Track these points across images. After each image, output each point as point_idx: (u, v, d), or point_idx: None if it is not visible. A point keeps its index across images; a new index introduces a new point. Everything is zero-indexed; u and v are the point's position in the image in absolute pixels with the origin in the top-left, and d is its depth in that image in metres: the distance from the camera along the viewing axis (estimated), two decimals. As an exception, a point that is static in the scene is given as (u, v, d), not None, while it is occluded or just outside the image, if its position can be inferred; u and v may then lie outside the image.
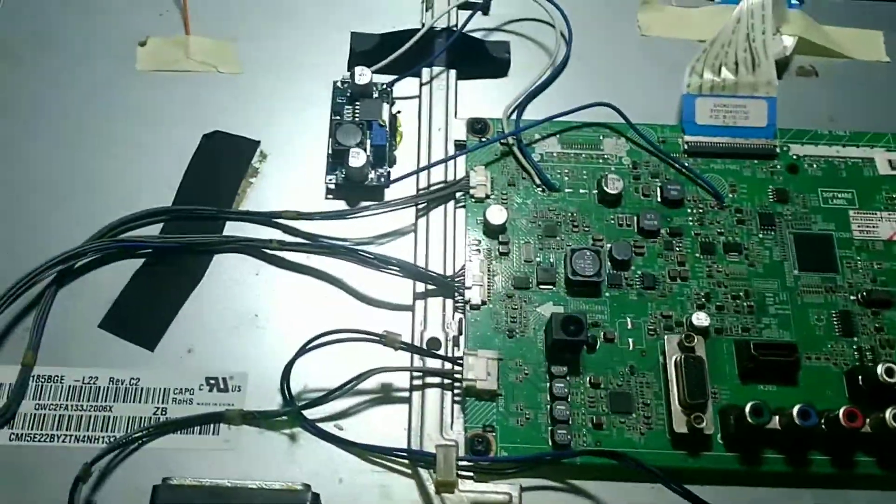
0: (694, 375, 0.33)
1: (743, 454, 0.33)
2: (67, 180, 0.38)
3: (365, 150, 0.38)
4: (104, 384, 0.34)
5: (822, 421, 0.32)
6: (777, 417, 0.32)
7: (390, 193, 0.38)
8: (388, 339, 0.33)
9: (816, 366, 0.35)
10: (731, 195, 0.38)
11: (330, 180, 0.38)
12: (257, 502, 0.29)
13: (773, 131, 0.39)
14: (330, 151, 0.38)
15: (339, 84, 0.40)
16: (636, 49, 0.43)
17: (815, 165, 0.39)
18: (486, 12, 0.43)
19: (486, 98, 0.41)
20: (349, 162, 0.37)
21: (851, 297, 0.36)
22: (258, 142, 0.39)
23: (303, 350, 0.33)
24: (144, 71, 0.41)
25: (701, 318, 0.35)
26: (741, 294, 0.36)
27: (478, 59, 0.42)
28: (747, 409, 0.32)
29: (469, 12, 0.42)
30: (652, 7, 0.43)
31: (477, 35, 0.43)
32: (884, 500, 0.32)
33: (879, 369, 0.32)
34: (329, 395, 0.33)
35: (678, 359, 0.33)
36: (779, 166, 0.39)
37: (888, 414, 0.31)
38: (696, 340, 0.34)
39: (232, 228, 0.37)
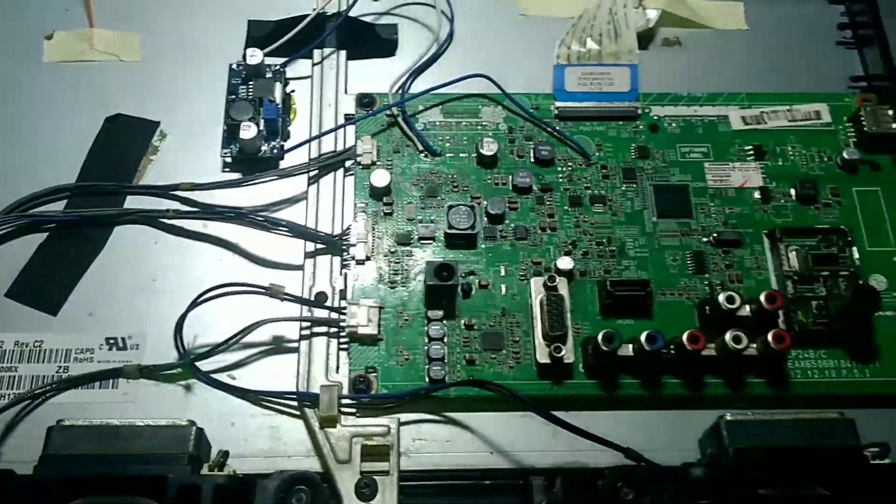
0: (554, 311, 0.36)
1: (602, 381, 0.36)
2: (-23, 163, 0.40)
3: (257, 124, 0.40)
4: (10, 347, 0.36)
5: (672, 347, 0.35)
6: (630, 345, 0.35)
7: (284, 164, 0.41)
8: (272, 291, 0.36)
9: (671, 301, 0.38)
10: (597, 154, 0.41)
11: (225, 154, 0.41)
12: (144, 436, 0.32)
13: (636, 95, 0.42)
14: (224, 127, 0.41)
15: (234, 66, 0.43)
16: (514, 26, 0.46)
17: (674, 124, 0.42)
18: (375, -2, 0.46)
19: (378, 76, 0.44)
20: (241, 135, 0.40)
21: (704, 239, 0.39)
22: (158, 122, 0.42)
23: (193, 304, 0.35)
24: (52, 62, 0.43)
25: (565, 262, 0.38)
26: (604, 241, 0.39)
27: (367, 40, 0.45)
28: (599, 337, 0.34)
29: (358, -2, 0.45)
30: (529, -12, 0.47)
31: (367, 19, 0.46)
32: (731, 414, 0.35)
33: (721, 297, 0.36)
34: (219, 347, 0.36)
35: (542, 298, 0.36)
36: (641, 126, 0.42)
37: (728, 336, 0.35)
38: (557, 281, 0.37)
39: (133, 202, 0.40)
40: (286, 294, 0.36)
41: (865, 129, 0.41)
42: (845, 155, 0.40)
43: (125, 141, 0.41)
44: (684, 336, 0.35)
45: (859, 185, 0.40)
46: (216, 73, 0.43)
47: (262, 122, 0.41)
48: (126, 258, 0.39)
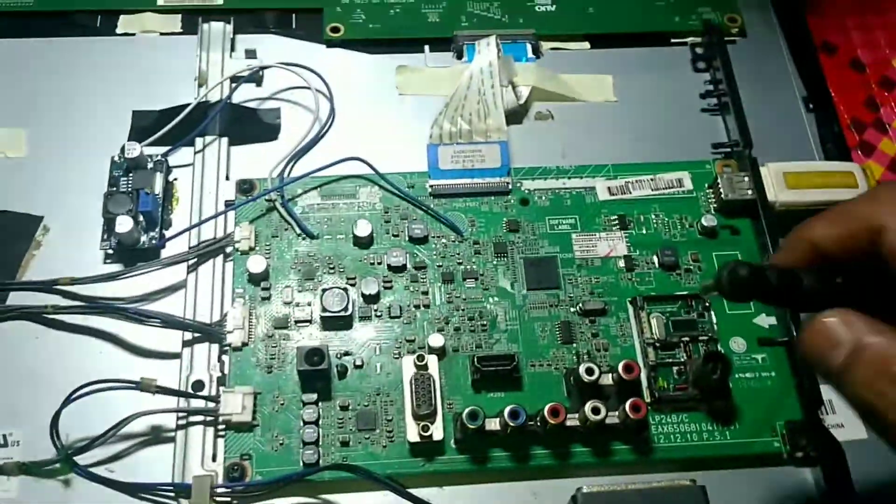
0: (422, 390, 0.37)
1: (472, 455, 0.37)
2: None
3: (135, 217, 0.41)
4: None
5: (538, 419, 0.37)
6: (497, 419, 0.36)
7: (166, 253, 0.42)
8: (143, 385, 0.36)
9: (540, 372, 0.39)
10: (470, 229, 0.43)
11: (105, 246, 0.42)
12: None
13: (507, 170, 0.44)
14: (103, 221, 0.42)
15: (115, 159, 0.44)
16: (394, 107, 0.48)
17: (543, 197, 0.44)
18: (259, 84, 0.48)
19: (261, 161, 0.45)
20: (116, 228, 0.41)
21: (572, 309, 0.41)
22: (41, 217, 0.43)
23: (66, 401, 0.36)
24: (-64, 161, 0.44)
25: (436, 339, 0.39)
26: (476, 315, 0.40)
27: (250, 125, 0.46)
28: (464, 415, 0.36)
29: (238, 85, 0.47)
30: (408, 69, 0.49)
31: (251, 104, 0.47)
32: (600, 483, 0.37)
33: (581, 369, 0.37)
34: (95, 442, 0.36)
35: (412, 376, 0.38)
36: (512, 200, 0.44)
37: (587, 407, 0.36)
38: (426, 359, 0.38)
39: (15, 298, 0.41)
40: (157, 387, 0.37)
41: (723, 195, 0.43)
42: (704, 222, 0.42)
43: (8, 237, 0.42)
44: (545, 409, 0.36)
45: (719, 249, 0.42)
46: (98, 164, 0.44)
47: (139, 214, 0.42)
48: (6, 355, 0.39)
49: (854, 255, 0.26)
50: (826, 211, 0.28)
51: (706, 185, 0.44)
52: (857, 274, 0.27)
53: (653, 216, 0.43)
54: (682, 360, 0.39)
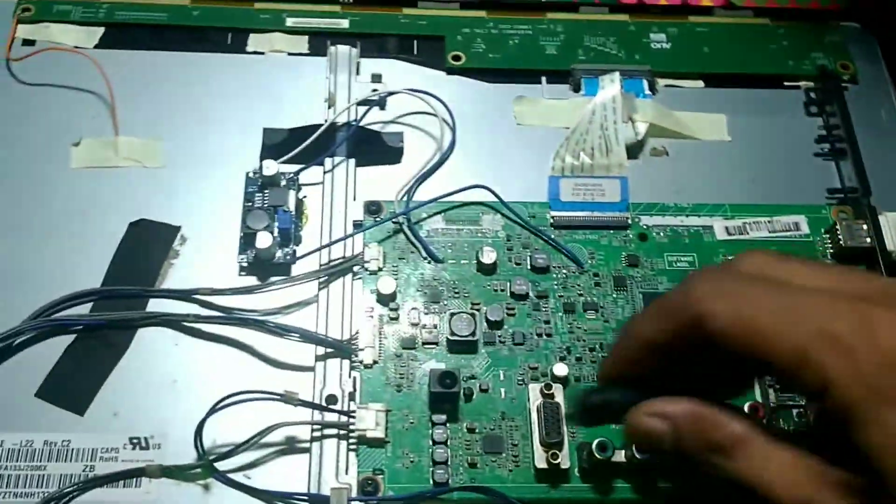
0: (551, 419, 0.38)
1: (596, 484, 0.38)
2: (9, 267, 0.43)
3: (272, 232, 0.43)
4: (39, 446, 0.39)
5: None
6: (623, 451, 0.38)
7: (297, 269, 0.44)
8: (286, 397, 0.38)
9: (660, 406, 0.40)
10: (590, 261, 0.44)
11: (242, 259, 0.43)
12: (168, 542, 0.34)
13: (626, 205, 0.45)
14: (241, 234, 0.44)
15: (250, 175, 0.45)
16: (512, 137, 0.49)
17: (661, 234, 0.45)
18: (382, 108, 0.49)
19: (384, 182, 0.47)
20: (257, 244, 0.42)
21: (691, 346, 0.42)
22: (179, 227, 0.45)
23: (212, 410, 0.38)
24: (78, 168, 0.46)
25: (561, 369, 0.40)
26: (597, 346, 0.42)
27: (375, 148, 0.48)
28: (594, 445, 0.37)
29: (366, 108, 0.48)
30: (526, 100, 0.50)
31: (375, 127, 0.49)
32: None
33: (706, 407, 0.38)
34: (237, 449, 0.38)
35: (539, 404, 0.39)
36: (631, 235, 0.45)
37: (712, 444, 0.37)
38: (553, 388, 0.39)
39: (155, 305, 0.42)
40: (299, 400, 0.38)
41: (841, 242, 0.44)
42: (821, 266, 0.43)
43: (148, 245, 0.44)
44: (671, 444, 0.37)
45: (834, 294, 0.43)
46: (232, 179, 0.46)
47: (276, 231, 0.43)
48: (148, 360, 0.41)
49: (686, 344, 0.27)
50: (646, 309, 0.29)
51: (822, 230, 0.45)
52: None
53: (770, 258, 0.44)
54: (803, 402, 0.40)
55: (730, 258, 0.28)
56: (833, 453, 0.24)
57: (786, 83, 0.52)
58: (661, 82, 0.51)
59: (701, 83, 0.52)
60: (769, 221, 0.45)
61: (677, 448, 0.27)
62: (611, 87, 0.47)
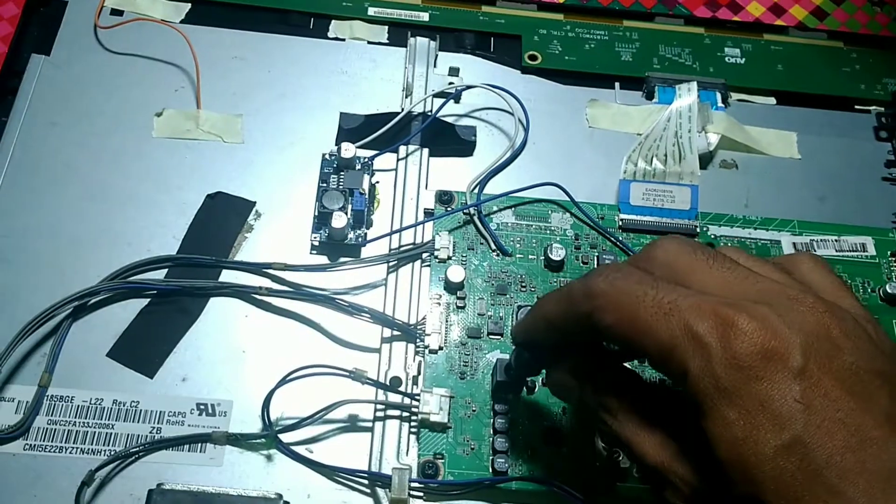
0: (614, 416, 0.39)
1: (652, 485, 0.38)
2: (89, 229, 0.44)
3: (346, 213, 0.44)
4: (108, 405, 0.39)
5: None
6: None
7: (366, 251, 0.44)
8: (356, 375, 0.39)
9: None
10: (657, 266, 0.44)
11: (315, 238, 0.44)
12: (237, 505, 0.35)
13: (695, 214, 0.46)
14: (316, 213, 0.44)
15: (327, 156, 0.46)
16: (584, 138, 0.50)
17: (729, 244, 0.45)
18: (457, 101, 0.50)
19: (454, 174, 0.47)
20: (332, 223, 0.43)
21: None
22: (254, 202, 0.45)
23: (283, 381, 0.38)
24: (159, 138, 0.47)
25: (624, 369, 0.41)
26: (661, 350, 0.42)
27: (448, 140, 0.48)
28: (657, 445, 0.37)
29: (443, 100, 0.49)
30: (599, 104, 0.50)
31: (448, 119, 0.49)
32: None
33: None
34: (302, 422, 0.39)
35: (602, 402, 0.39)
36: (699, 244, 0.45)
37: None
38: (618, 387, 0.39)
39: (227, 276, 0.43)
40: (368, 378, 0.39)
41: (908, 265, 0.44)
42: (888, 289, 0.43)
43: (224, 217, 0.45)
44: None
45: (900, 317, 0.44)
46: (308, 159, 0.47)
47: (350, 212, 0.44)
48: (219, 329, 0.42)
49: (580, 328, 0.30)
50: (556, 291, 0.32)
51: (889, 253, 0.45)
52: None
53: (836, 277, 0.44)
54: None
55: (650, 242, 0.31)
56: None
57: (857, 106, 0.52)
58: (734, 96, 0.52)
59: (773, 100, 0.52)
60: (836, 240, 0.45)
61: (581, 402, 0.32)
62: (688, 95, 0.48)
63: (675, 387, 0.27)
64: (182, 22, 0.51)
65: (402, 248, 0.44)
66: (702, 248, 0.29)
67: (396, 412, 0.40)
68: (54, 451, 0.38)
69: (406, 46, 0.51)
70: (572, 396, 0.33)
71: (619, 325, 0.28)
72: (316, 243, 0.44)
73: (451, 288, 0.43)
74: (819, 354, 0.25)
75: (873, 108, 0.52)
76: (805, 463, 0.24)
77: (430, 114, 0.48)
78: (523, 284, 0.44)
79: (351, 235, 0.44)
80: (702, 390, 0.26)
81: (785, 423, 0.25)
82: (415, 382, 0.40)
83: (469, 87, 0.50)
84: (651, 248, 0.30)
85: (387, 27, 0.53)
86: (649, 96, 0.51)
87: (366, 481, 0.38)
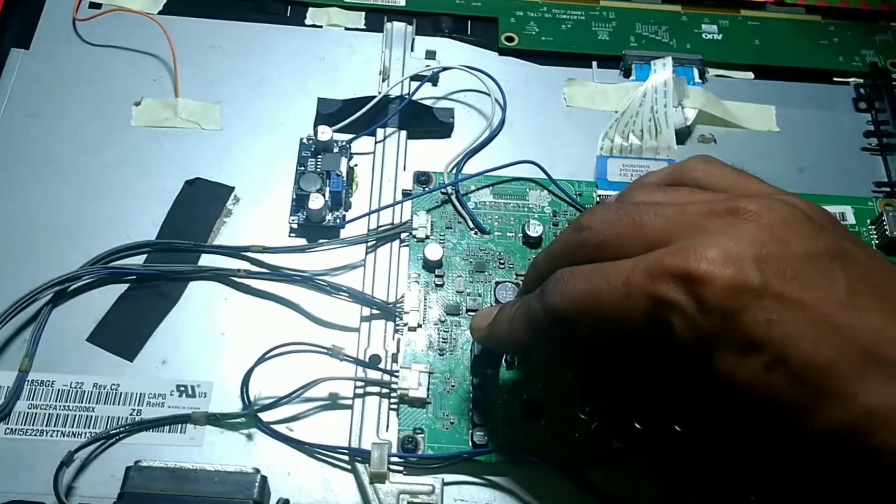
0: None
1: (635, 455, 0.38)
2: (70, 217, 0.44)
3: (324, 195, 0.44)
4: (89, 389, 0.40)
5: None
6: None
7: (345, 233, 0.45)
8: (333, 352, 0.39)
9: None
10: (635, 240, 0.44)
11: (293, 220, 0.44)
12: (214, 481, 0.35)
13: (673, 187, 0.46)
14: (294, 196, 0.45)
15: (304, 140, 0.46)
16: (562, 117, 0.50)
17: (707, 216, 0.45)
18: (435, 84, 0.50)
19: (433, 155, 0.47)
20: (309, 205, 0.43)
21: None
22: (233, 188, 0.46)
23: (261, 359, 0.39)
24: (138, 126, 0.47)
25: (603, 341, 0.41)
26: (639, 322, 0.42)
27: (426, 122, 0.49)
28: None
29: (419, 83, 0.49)
30: (576, 83, 0.51)
31: (426, 102, 0.49)
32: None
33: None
34: (281, 401, 0.39)
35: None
36: (677, 217, 0.45)
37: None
38: (595, 358, 0.40)
39: (206, 260, 0.43)
40: (346, 355, 0.39)
41: (887, 232, 0.44)
42: (867, 256, 0.43)
43: (202, 203, 0.45)
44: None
45: (880, 284, 0.43)
46: (286, 144, 0.47)
47: (328, 194, 0.44)
48: (198, 312, 0.42)
49: (553, 342, 0.33)
50: (517, 308, 0.33)
51: (868, 222, 0.45)
52: None
53: (815, 246, 0.44)
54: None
55: (573, 226, 0.31)
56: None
57: (835, 79, 0.52)
58: (712, 72, 0.52)
59: (751, 74, 0.52)
60: (816, 210, 0.45)
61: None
62: (663, 70, 0.48)
63: (667, 353, 0.27)
64: (160, 13, 0.51)
65: (380, 229, 0.44)
66: (617, 206, 0.30)
67: (376, 389, 0.40)
68: (35, 435, 0.38)
69: (383, 32, 0.51)
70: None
71: (594, 330, 0.29)
72: (294, 226, 0.44)
73: (429, 266, 0.43)
74: (771, 260, 0.26)
75: (852, 79, 0.52)
76: (790, 372, 0.25)
77: (406, 96, 0.48)
78: (501, 261, 0.44)
79: (329, 217, 0.44)
80: (693, 345, 0.26)
81: (763, 344, 0.25)
82: (394, 360, 0.41)
83: (445, 68, 0.50)
84: (577, 234, 0.30)
85: (363, 13, 0.53)
86: (626, 74, 0.51)
87: (346, 458, 0.38)
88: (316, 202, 0.43)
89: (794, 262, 0.26)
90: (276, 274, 0.42)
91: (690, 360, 0.27)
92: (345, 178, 0.45)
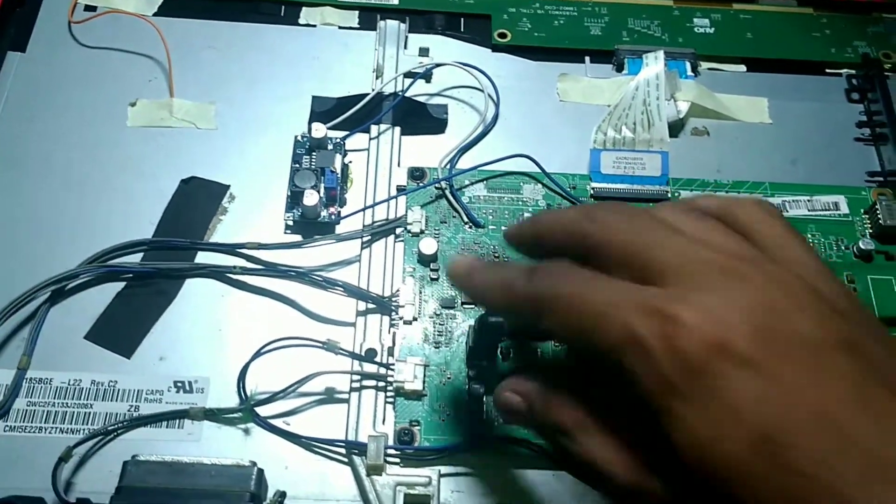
0: (587, 377, 0.39)
1: (629, 445, 0.39)
2: (67, 217, 0.44)
3: (318, 192, 0.44)
4: (87, 385, 0.40)
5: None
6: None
7: (340, 229, 0.45)
8: (329, 345, 0.39)
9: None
10: (629, 232, 0.45)
11: (288, 217, 0.44)
12: (211, 474, 0.35)
13: (666, 180, 0.46)
14: (289, 193, 0.45)
15: (299, 138, 0.47)
16: (555, 112, 0.50)
17: (701, 207, 0.45)
18: (428, 80, 0.51)
19: (427, 151, 0.48)
20: (304, 201, 0.43)
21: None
22: (228, 186, 0.46)
23: (257, 354, 0.39)
24: (134, 127, 0.48)
25: (598, 332, 0.41)
26: (634, 313, 0.42)
27: (420, 118, 0.49)
28: (629, 403, 0.37)
29: (412, 80, 0.49)
30: (569, 78, 0.51)
31: (420, 99, 0.50)
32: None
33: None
34: (278, 395, 0.39)
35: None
36: (670, 208, 0.45)
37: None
38: (590, 349, 0.40)
39: (203, 258, 0.44)
40: (341, 349, 0.39)
41: (881, 221, 0.44)
42: (861, 245, 0.44)
43: (198, 201, 0.45)
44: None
45: (875, 273, 0.43)
46: (281, 142, 0.47)
47: (322, 190, 0.45)
48: (195, 309, 0.42)
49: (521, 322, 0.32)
50: (495, 271, 0.32)
51: (862, 211, 0.45)
52: None
53: (809, 236, 0.45)
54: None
55: (586, 212, 0.29)
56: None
57: (828, 70, 0.52)
58: (704, 65, 0.52)
59: (743, 67, 0.52)
60: (809, 200, 0.46)
61: (532, 423, 0.30)
62: (655, 64, 0.48)
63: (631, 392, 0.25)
64: (155, 14, 0.52)
65: (375, 224, 0.44)
66: (639, 216, 0.27)
67: (372, 382, 0.40)
68: (34, 432, 0.38)
69: (376, 30, 0.52)
70: (522, 414, 0.30)
71: (563, 329, 0.27)
72: (290, 223, 0.45)
73: (424, 260, 0.43)
74: (767, 335, 0.23)
75: (844, 70, 0.52)
76: (775, 458, 0.22)
77: (400, 93, 0.49)
78: (496, 255, 0.44)
79: (324, 213, 0.45)
80: (655, 394, 0.24)
81: (744, 419, 0.23)
82: (390, 354, 0.41)
83: (438, 64, 0.50)
84: (587, 224, 0.28)
85: (357, 12, 0.53)
86: (619, 69, 0.51)
87: (343, 451, 0.39)
88: (311, 198, 0.43)
89: (792, 343, 0.23)
90: (272, 270, 0.43)
91: (647, 402, 0.24)
92: (339, 175, 0.45)
